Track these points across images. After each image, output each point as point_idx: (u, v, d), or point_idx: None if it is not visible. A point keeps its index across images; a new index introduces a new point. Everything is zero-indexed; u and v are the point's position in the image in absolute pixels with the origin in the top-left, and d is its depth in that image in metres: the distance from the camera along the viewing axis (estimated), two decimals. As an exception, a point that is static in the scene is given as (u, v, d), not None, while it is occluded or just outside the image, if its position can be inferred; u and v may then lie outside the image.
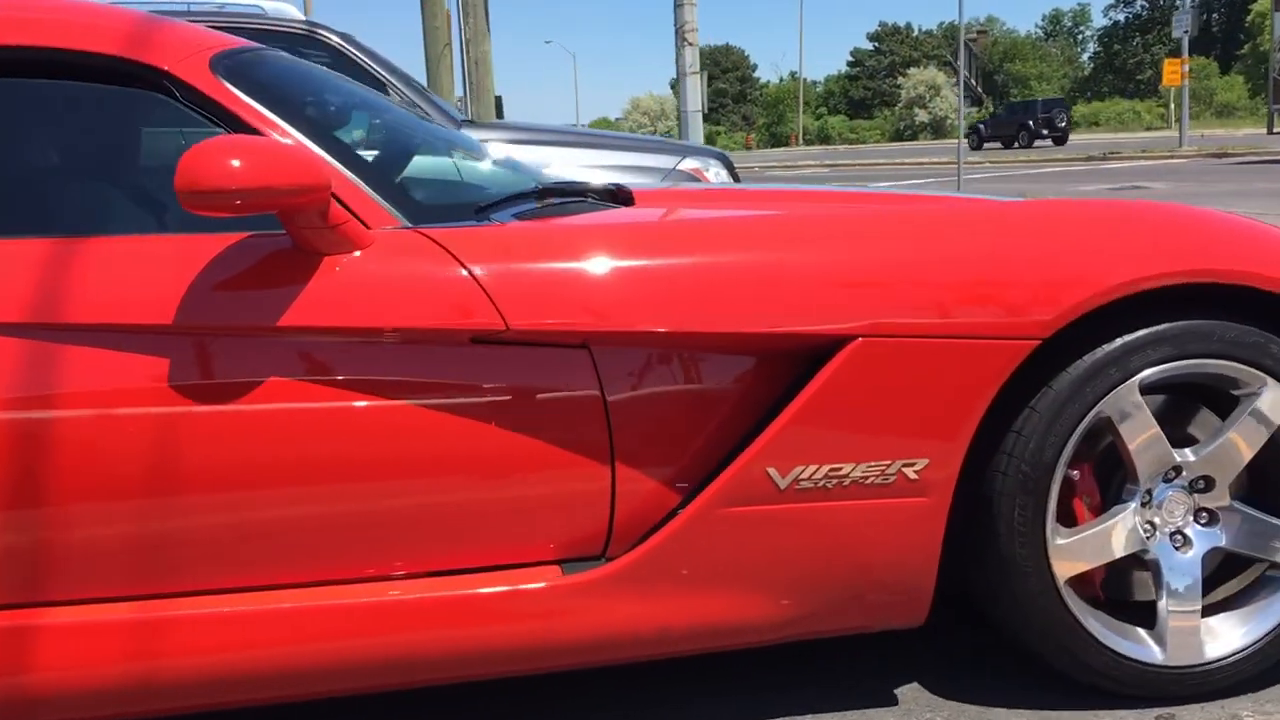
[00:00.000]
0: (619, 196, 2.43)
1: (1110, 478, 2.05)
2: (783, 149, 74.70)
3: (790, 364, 1.90)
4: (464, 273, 1.77)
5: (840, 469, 1.87)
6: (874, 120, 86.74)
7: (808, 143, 78.14)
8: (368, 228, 1.81)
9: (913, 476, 1.89)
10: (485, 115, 13.35)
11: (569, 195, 2.29)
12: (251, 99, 1.87)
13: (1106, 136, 48.88)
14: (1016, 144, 38.83)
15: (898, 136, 79.07)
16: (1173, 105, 44.50)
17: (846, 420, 1.86)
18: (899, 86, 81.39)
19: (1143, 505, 2.03)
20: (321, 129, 1.93)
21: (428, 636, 1.83)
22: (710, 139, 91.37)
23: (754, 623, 1.94)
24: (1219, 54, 66.09)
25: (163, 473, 1.70)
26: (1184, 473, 2.04)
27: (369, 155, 2.16)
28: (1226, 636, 2.06)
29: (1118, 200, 2.16)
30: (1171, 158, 26.29)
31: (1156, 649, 2.03)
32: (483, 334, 1.78)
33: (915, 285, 1.87)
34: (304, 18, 5.39)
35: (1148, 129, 53.19)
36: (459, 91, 11.79)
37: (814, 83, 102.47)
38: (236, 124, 1.84)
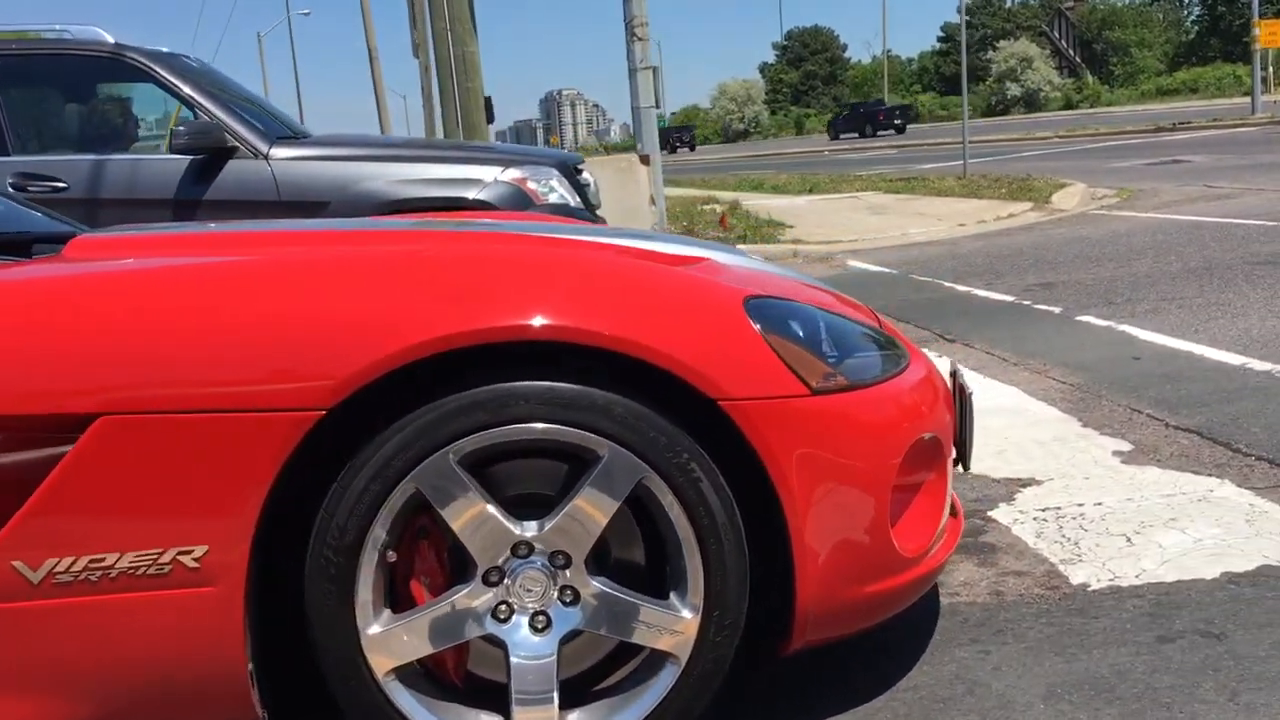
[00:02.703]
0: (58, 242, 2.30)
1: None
2: (869, 129, 73.38)
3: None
4: None
5: (103, 560, 1.72)
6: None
7: (895, 122, 76.62)
8: None
9: (192, 565, 1.73)
10: (475, 117, 13.30)
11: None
12: None
13: (1198, 104, 47.00)
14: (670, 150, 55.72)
15: (989, 112, 77.13)
16: (1272, 69, 42.55)
17: (101, 507, 1.71)
18: (990, 60, 79.39)
19: (491, 585, 1.85)
20: None
21: None
22: (800, 122, 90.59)
23: (46, 725, 1.80)
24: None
25: None
26: (538, 548, 1.85)
27: None
28: (591, 731, 1.86)
29: (440, 249, 1.98)
30: (1240, 126, 25.13)
31: (506, 745, 1.84)
32: None
33: (167, 355, 1.71)
34: (112, 41, 5.36)
35: (1247, 94, 51.10)
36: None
37: (907, 60, 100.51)
38: None
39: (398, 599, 1.86)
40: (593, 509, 1.82)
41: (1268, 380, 4.05)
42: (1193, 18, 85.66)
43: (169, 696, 1.81)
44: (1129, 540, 2.74)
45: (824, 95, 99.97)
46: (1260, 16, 26.04)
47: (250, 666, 1.80)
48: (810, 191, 15.58)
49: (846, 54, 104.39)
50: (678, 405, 1.83)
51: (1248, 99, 37.62)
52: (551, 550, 1.85)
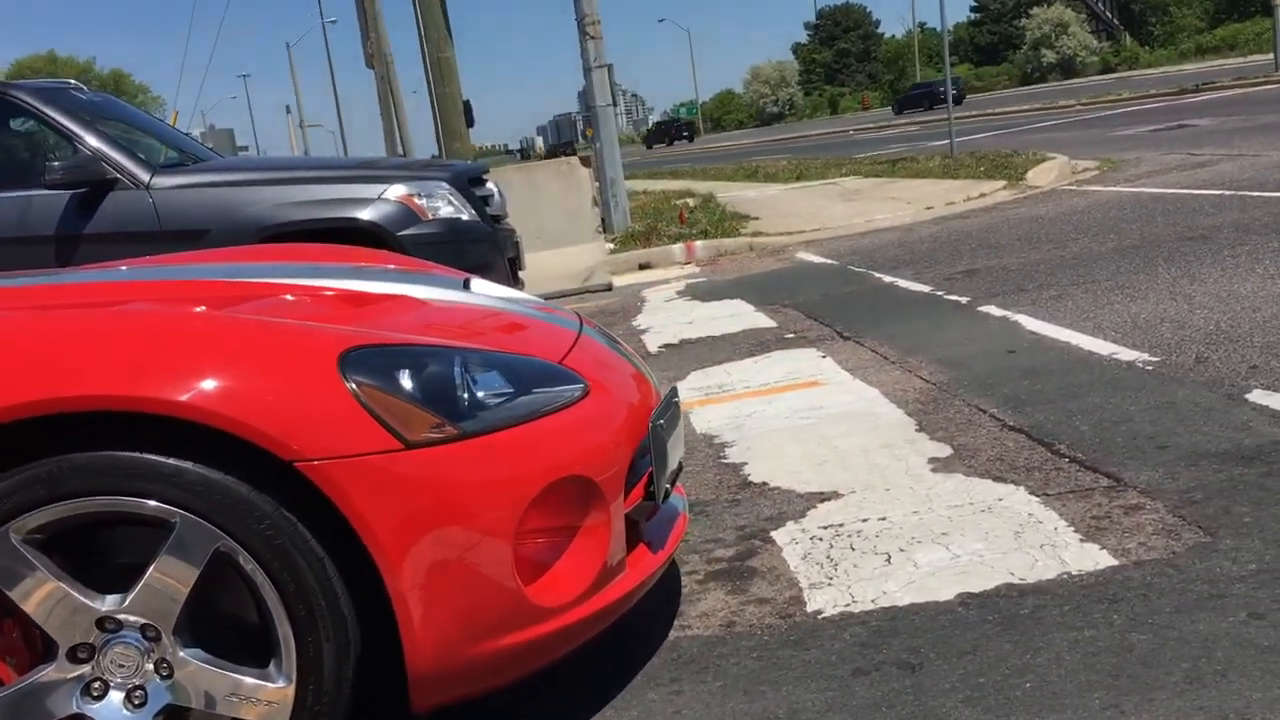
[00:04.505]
0: None
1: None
2: (901, 105, 72.81)
3: None
4: None
5: None
6: (1000, 66, 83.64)
7: (930, 96, 75.84)
8: None
9: None
10: (454, 122, 13.28)
11: None
12: None
13: (1234, 61, 45.99)
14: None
15: (1026, 80, 76.10)
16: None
17: None
18: (1024, 28, 78.29)
19: (80, 661, 1.80)
20: None
21: None
22: (834, 101, 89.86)
23: None
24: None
25: None
26: (126, 621, 1.79)
27: None
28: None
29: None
30: (1265, 84, 24.51)
31: (101, 827, 1.79)
32: None
33: None
34: (-8, 80, 5.39)
35: (1285, 48, 49.81)
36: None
37: (945, 32, 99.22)
38: None
39: (-18, 680, 1.82)
40: (171, 579, 1.77)
41: (1126, 372, 3.91)
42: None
43: None
44: (889, 560, 2.63)
45: (858, 72, 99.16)
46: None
47: None
48: (798, 179, 15.40)
49: (879, 29, 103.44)
50: (267, 468, 1.77)
51: (1282, 54, 36.65)
52: (142, 623, 1.80)
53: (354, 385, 1.81)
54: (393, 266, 2.87)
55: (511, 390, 2.00)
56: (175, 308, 2.10)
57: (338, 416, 1.78)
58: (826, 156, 20.44)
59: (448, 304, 2.46)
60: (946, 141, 15.28)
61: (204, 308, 2.26)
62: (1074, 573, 2.43)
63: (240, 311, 2.29)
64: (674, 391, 2.48)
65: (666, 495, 2.29)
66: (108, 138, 5.32)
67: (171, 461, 1.74)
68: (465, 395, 1.93)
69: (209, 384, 1.74)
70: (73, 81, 6.14)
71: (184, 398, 1.72)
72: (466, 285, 2.67)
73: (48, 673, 1.79)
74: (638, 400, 2.31)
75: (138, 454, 1.74)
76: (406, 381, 1.87)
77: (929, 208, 9.92)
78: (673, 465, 2.34)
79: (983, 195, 10.19)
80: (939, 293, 6.01)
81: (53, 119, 5.28)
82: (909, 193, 11.18)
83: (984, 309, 5.37)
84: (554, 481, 1.94)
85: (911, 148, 19.94)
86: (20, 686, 1.79)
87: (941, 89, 50.58)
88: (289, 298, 2.44)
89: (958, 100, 46.62)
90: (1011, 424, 3.52)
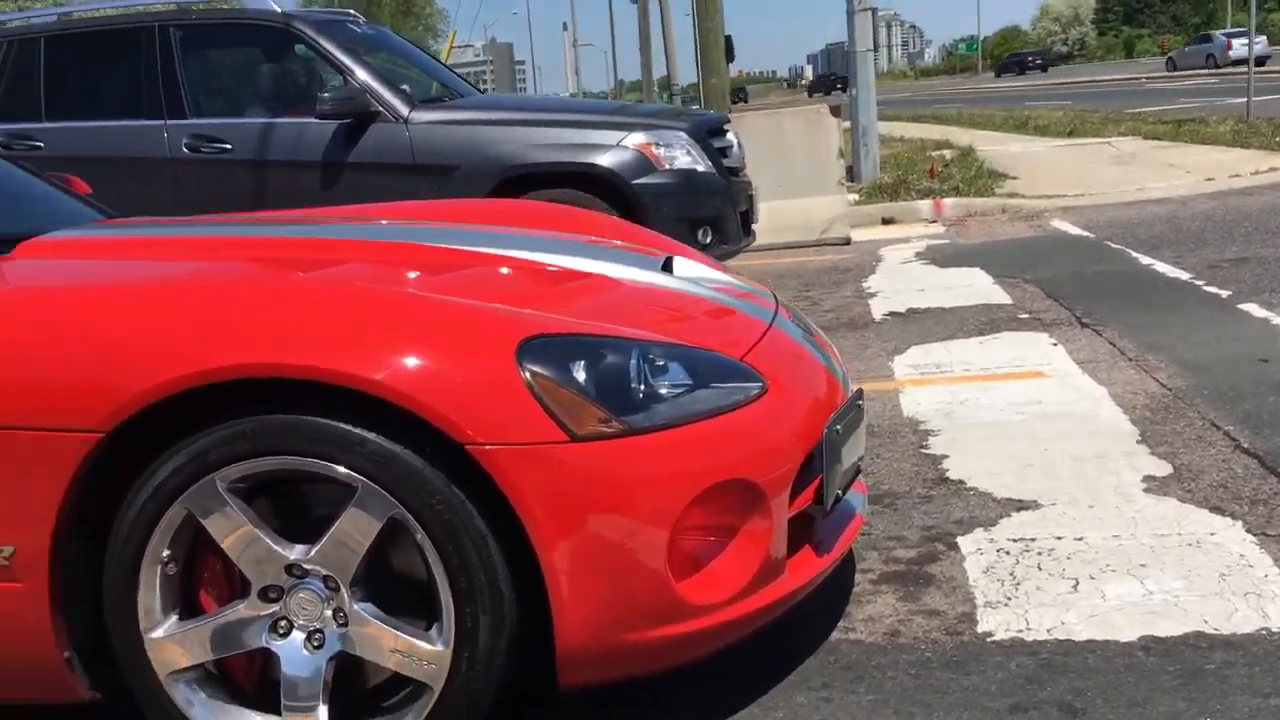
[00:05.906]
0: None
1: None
2: (1205, 52, 67.50)
3: None
4: None
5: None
6: (1333, 11, 76.13)
7: (1242, 42, 69.88)
8: None
9: (3, 563, 1.96)
10: (714, 57, 13.24)
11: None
12: None
13: None
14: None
15: (1356, 29, 68.98)
16: None
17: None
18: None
19: (270, 600, 1.97)
20: None
21: None
22: (1129, 44, 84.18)
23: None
24: None
25: None
26: (310, 570, 1.95)
27: None
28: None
29: (199, 282, 2.06)
30: None
31: (274, 750, 1.98)
32: None
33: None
34: (280, 11, 5.76)
35: None
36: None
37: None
38: None
39: (191, 607, 2.01)
40: (350, 538, 1.91)
41: (1390, 399, 3.56)
42: None
43: None
44: (1075, 586, 2.53)
45: (1161, 14, 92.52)
46: None
47: (68, 654, 2.01)
48: (1069, 135, 14.57)
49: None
50: (440, 446, 1.87)
51: None
52: (324, 573, 1.95)
53: (528, 375, 1.87)
54: (600, 241, 2.92)
55: (687, 385, 2.03)
56: (383, 284, 2.22)
57: (510, 405, 1.86)
58: (1108, 109, 19.22)
59: (642, 286, 2.50)
60: (1244, 100, 14.04)
61: (416, 273, 2.40)
62: (1274, 629, 2.27)
63: (453, 280, 2.41)
64: (859, 394, 2.45)
65: (837, 501, 2.28)
66: (375, 71, 5.61)
67: (359, 432, 1.86)
68: (638, 389, 1.96)
69: (403, 365, 1.85)
70: (351, 12, 6.49)
71: (379, 376, 1.83)
72: (667, 265, 2.70)
73: (241, 608, 1.97)
74: (819, 399, 2.29)
75: (330, 421, 1.86)
76: (580, 374, 1.92)
77: (1209, 179, 9.22)
78: (845, 467, 2.31)
79: (1273, 169, 9.38)
80: (1199, 282, 5.61)
81: (328, 51, 5.61)
82: (1190, 159, 10.41)
83: (1244, 306, 4.98)
84: (717, 483, 1.96)
85: (1207, 104, 18.51)
86: (217, 617, 1.98)
87: (1030, 58, 66.94)
88: (504, 270, 2.54)
89: (1043, 69, 62.69)
90: (1246, 446, 3.29)
